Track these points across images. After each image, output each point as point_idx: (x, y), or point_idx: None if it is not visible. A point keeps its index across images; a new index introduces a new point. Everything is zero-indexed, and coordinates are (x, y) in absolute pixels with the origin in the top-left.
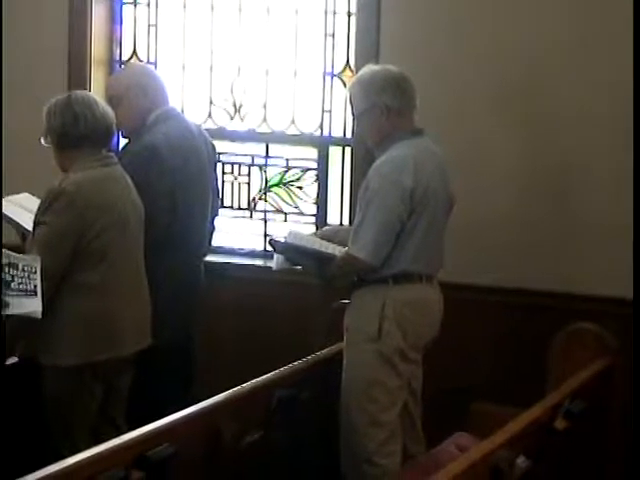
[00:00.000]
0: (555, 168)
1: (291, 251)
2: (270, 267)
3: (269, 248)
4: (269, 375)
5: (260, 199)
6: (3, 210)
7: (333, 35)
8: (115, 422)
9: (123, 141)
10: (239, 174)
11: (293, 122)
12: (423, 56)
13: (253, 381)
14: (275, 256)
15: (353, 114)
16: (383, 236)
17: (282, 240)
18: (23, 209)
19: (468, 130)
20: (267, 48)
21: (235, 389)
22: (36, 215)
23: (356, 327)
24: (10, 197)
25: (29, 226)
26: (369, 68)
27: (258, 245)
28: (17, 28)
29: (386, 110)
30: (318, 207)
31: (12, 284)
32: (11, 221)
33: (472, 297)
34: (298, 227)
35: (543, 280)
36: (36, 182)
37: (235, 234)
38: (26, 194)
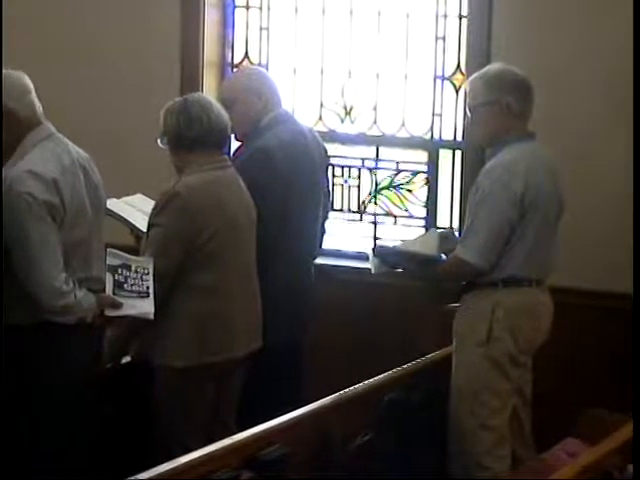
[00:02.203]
0: None
1: (391, 254)
2: None
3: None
4: (380, 377)
5: (370, 202)
6: (118, 211)
7: (444, 38)
8: (226, 423)
9: (236, 144)
10: (349, 177)
11: (403, 125)
12: (535, 59)
13: (364, 383)
14: (371, 259)
15: (469, 107)
16: (493, 240)
17: (382, 244)
18: (137, 210)
19: (579, 134)
20: (378, 51)
21: (345, 391)
22: (150, 217)
23: (465, 331)
24: (124, 198)
25: (143, 227)
26: (496, 65)
27: (367, 248)
28: (131, 32)
29: (506, 109)
30: (428, 210)
31: (125, 285)
32: (125, 222)
33: (584, 302)
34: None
35: None
36: (151, 184)
37: (345, 237)
38: (140, 195)
